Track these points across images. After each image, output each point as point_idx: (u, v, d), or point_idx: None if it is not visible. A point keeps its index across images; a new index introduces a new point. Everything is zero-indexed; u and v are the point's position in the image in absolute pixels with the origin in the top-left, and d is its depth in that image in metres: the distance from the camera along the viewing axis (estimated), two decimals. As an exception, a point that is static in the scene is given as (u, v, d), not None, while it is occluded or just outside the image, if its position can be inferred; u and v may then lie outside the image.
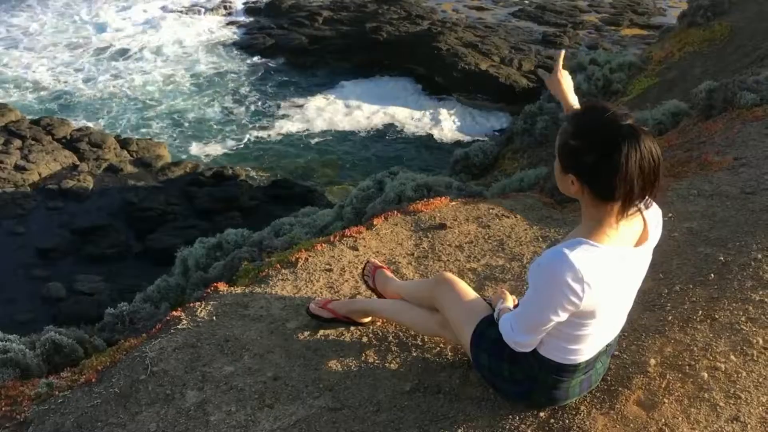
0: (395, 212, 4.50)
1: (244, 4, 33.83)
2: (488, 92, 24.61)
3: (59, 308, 14.18)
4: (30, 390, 3.58)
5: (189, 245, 8.03)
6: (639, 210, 2.31)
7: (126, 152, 19.73)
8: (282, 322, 3.48)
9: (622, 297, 2.43)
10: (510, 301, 2.85)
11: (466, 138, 22.51)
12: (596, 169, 2.23)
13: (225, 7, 33.15)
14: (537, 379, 2.59)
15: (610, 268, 2.30)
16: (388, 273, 3.45)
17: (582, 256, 2.26)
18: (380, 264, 3.55)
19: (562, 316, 2.34)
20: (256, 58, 27.97)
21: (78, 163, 18.87)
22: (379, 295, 3.43)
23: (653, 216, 2.46)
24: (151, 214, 17.30)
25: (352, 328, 3.36)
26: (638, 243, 2.39)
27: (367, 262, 3.58)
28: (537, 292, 2.36)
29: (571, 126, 2.33)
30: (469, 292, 2.91)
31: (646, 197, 2.26)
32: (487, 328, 2.66)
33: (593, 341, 2.49)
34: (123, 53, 28.01)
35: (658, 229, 2.50)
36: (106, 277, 15.51)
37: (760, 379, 2.79)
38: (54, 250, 16.12)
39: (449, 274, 3.05)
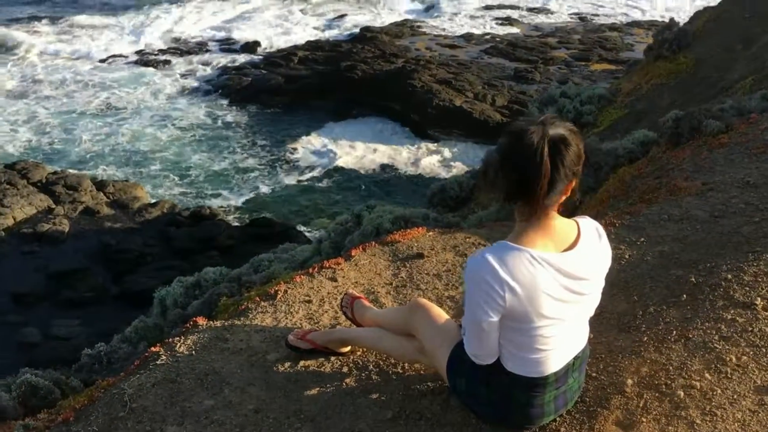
0: (373, 243, 4.54)
1: (219, 43, 34.15)
2: (463, 127, 24.91)
3: (34, 354, 13.92)
4: (6, 432, 3.54)
5: (167, 285, 7.97)
6: (543, 214, 2.41)
7: (102, 194, 19.58)
8: (262, 354, 3.47)
9: (560, 301, 2.47)
10: None
11: (456, 171, 22.55)
12: (505, 171, 2.38)
13: (200, 49, 33.42)
14: (511, 397, 2.62)
15: (530, 269, 2.39)
16: (366, 303, 3.48)
17: (499, 256, 2.39)
18: (358, 294, 3.58)
19: (494, 316, 2.44)
20: (236, 103, 27.88)
21: (54, 206, 18.68)
22: (358, 326, 3.45)
23: (589, 226, 2.57)
24: (128, 256, 17.12)
25: (332, 358, 3.37)
26: (566, 249, 2.47)
27: (345, 293, 3.61)
28: (467, 296, 2.51)
29: (513, 125, 2.48)
30: (443, 318, 2.95)
31: (538, 198, 2.33)
32: (462, 353, 2.69)
33: (550, 349, 2.54)
34: (105, 107, 27.60)
35: (599, 241, 2.57)
36: (82, 320, 15.27)
37: (735, 396, 2.84)
38: (29, 294, 15.85)
39: (424, 300, 3.09)
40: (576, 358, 2.65)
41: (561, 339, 2.55)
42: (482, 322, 2.46)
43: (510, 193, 2.40)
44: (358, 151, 24.68)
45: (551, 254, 2.43)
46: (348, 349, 3.37)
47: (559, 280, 2.44)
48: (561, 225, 2.48)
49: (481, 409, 2.75)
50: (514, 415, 2.67)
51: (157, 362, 3.49)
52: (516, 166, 2.34)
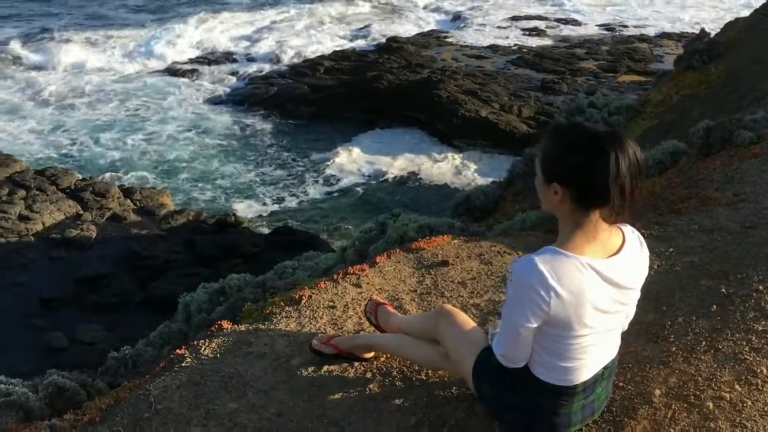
0: (398, 250, 4.53)
1: (246, 52, 34.51)
2: (489, 138, 24.85)
3: (60, 358, 14.07)
4: (33, 432, 3.57)
5: (191, 292, 8.03)
6: (625, 216, 2.36)
7: (129, 201, 19.85)
8: (286, 358, 3.48)
9: (602, 311, 2.43)
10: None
11: (486, 181, 22.48)
12: (583, 175, 2.30)
13: (226, 58, 33.78)
14: (538, 404, 2.59)
15: (579, 277, 2.34)
16: (390, 309, 3.47)
17: (548, 262, 2.34)
18: (382, 300, 3.57)
19: (534, 322, 2.39)
20: (262, 112, 28.12)
21: (82, 212, 18.96)
22: (382, 332, 3.44)
23: (632, 234, 2.53)
24: (154, 263, 17.29)
25: (355, 363, 3.36)
26: (609, 256, 2.43)
27: (370, 299, 3.60)
28: (509, 299, 2.45)
29: (552, 139, 2.41)
30: (469, 324, 2.93)
31: (635, 199, 2.31)
32: (488, 358, 2.67)
33: (584, 359, 2.50)
34: (132, 116, 27.91)
35: (641, 249, 2.54)
36: (107, 326, 15.43)
37: (766, 408, 2.78)
38: (56, 299, 16.07)
39: (449, 306, 3.07)
40: (605, 368, 2.61)
41: (595, 349, 2.51)
42: (521, 327, 2.42)
43: (585, 197, 2.34)
44: (384, 161, 24.73)
45: (598, 261, 2.38)
46: (372, 354, 3.36)
47: (605, 290, 2.40)
48: (607, 231, 2.43)
49: (507, 415, 2.72)
50: (540, 422, 2.64)
51: (182, 364, 3.51)
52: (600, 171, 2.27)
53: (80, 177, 20.93)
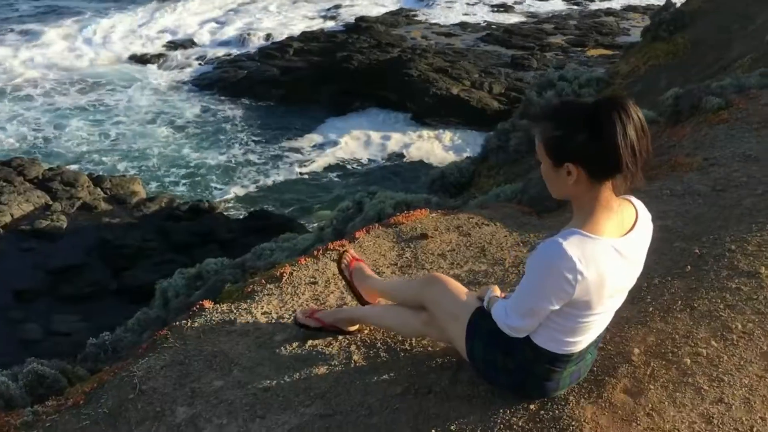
0: (377, 225, 4.55)
1: (213, 36, 34.06)
2: (460, 116, 24.90)
3: (36, 349, 13.91)
4: (16, 419, 3.54)
5: (168, 278, 7.97)
6: (639, 179, 2.32)
7: (99, 190, 19.58)
8: (269, 335, 3.49)
9: (616, 288, 2.46)
10: (498, 292, 2.89)
11: (460, 158, 22.45)
12: (593, 146, 2.25)
13: (193, 42, 33.32)
14: (530, 369, 2.62)
15: (605, 260, 2.35)
16: (368, 270, 3.45)
17: (577, 246, 2.31)
18: (358, 257, 3.54)
19: (556, 305, 2.39)
20: (232, 96, 27.78)
21: (51, 202, 18.66)
22: (354, 288, 3.44)
23: (642, 207, 2.55)
24: (127, 251, 17.11)
25: (339, 337, 3.37)
26: (626, 232, 2.44)
27: (345, 251, 3.53)
28: (531, 280, 2.43)
29: (550, 121, 2.36)
30: (461, 288, 2.94)
31: (644, 160, 2.27)
32: (482, 319, 2.70)
33: (589, 333, 2.54)
34: (97, 104, 27.44)
35: (649, 222, 2.56)
36: (82, 316, 15.29)
37: (741, 362, 2.86)
38: (29, 291, 15.87)
39: (440, 273, 3.09)
40: (598, 335, 2.66)
41: (599, 324, 2.56)
42: (540, 308, 2.42)
43: (603, 169, 2.29)
44: (357, 141, 24.68)
45: (618, 241, 2.38)
46: (355, 327, 3.38)
47: (625, 270, 2.42)
48: (621, 206, 2.41)
49: (497, 376, 2.73)
50: (530, 386, 2.67)
51: (165, 345, 3.50)
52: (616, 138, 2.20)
53: (47, 167, 20.58)
